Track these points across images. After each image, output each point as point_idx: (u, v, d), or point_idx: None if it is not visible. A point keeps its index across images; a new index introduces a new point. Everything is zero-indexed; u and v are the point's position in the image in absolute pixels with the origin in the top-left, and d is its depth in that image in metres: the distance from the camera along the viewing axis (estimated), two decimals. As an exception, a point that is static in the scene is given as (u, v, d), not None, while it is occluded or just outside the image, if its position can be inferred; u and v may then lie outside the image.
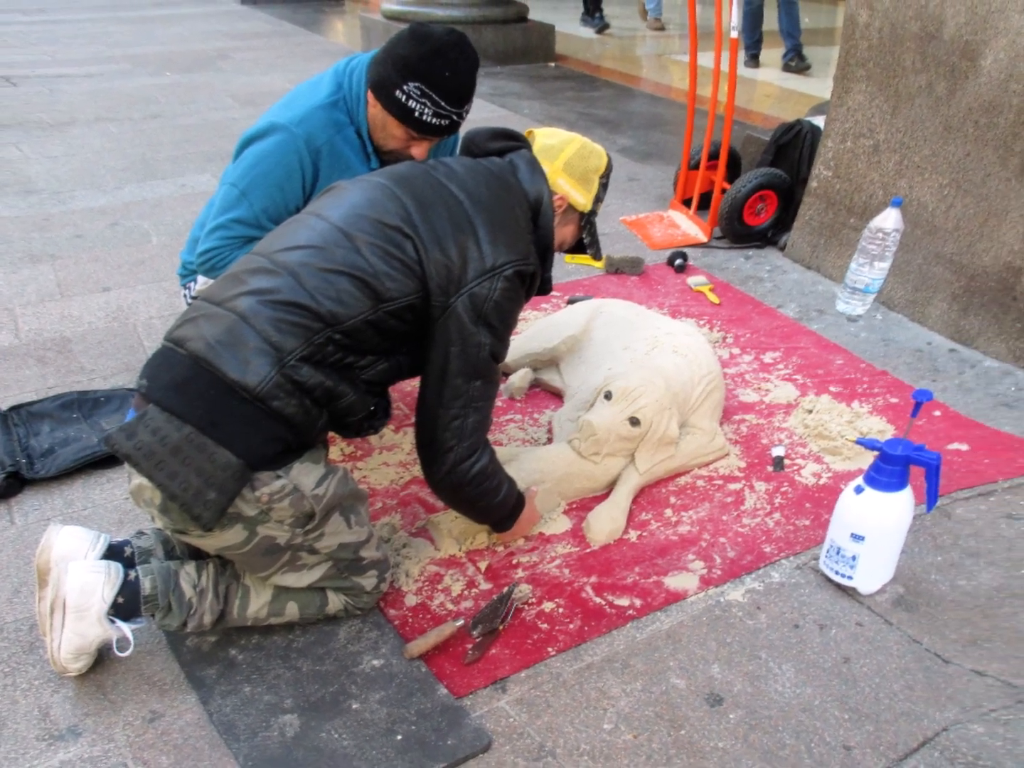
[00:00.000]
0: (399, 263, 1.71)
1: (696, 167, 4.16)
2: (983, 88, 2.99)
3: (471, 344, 1.76)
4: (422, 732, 1.68)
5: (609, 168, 2.05)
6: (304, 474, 1.71)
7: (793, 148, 4.00)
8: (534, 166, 1.93)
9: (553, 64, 7.77)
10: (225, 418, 1.61)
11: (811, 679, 1.81)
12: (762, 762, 1.63)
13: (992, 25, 2.92)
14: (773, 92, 6.51)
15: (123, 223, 4.18)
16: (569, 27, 9.15)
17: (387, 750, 1.64)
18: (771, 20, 7.10)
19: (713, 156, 4.06)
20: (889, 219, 3.10)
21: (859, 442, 1.98)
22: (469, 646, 1.86)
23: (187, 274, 2.64)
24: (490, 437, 1.93)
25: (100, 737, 1.69)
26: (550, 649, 1.87)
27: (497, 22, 7.64)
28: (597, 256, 2.13)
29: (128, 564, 1.81)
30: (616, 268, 3.63)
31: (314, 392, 1.67)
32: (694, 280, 3.55)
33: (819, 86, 6.30)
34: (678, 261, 3.68)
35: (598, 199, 2.03)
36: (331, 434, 1.91)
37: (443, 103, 2.18)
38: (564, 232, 2.03)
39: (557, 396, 2.76)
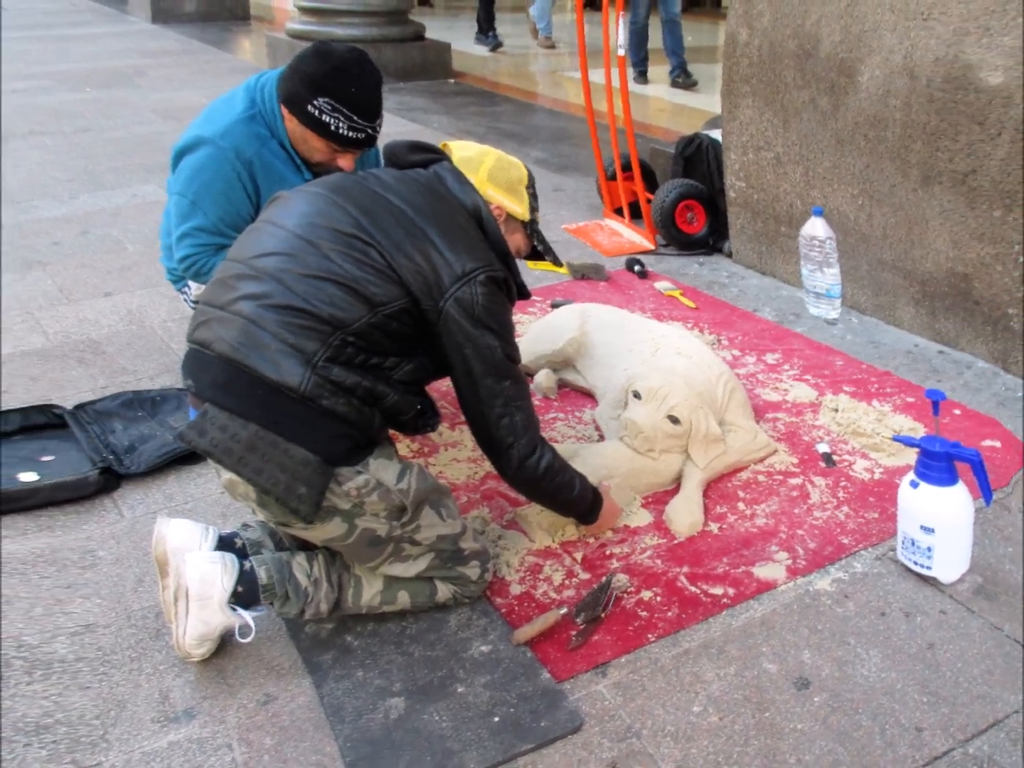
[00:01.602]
0: (372, 269, 1.72)
1: (613, 178, 4.25)
2: (864, 103, 3.08)
3: (482, 347, 1.79)
4: (519, 714, 1.70)
5: (531, 178, 2.08)
6: (382, 469, 1.75)
7: (699, 160, 4.11)
8: (460, 177, 1.94)
9: (452, 80, 8.05)
10: (283, 416, 1.65)
11: (896, 664, 1.83)
12: (834, 743, 1.66)
13: (865, 43, 3.01)
14: (665, 107, 6.82)
15: (93, 231, 4.27)
16: (464, 45, 9.42)
17: (481, 731, 1.67)
18: (656, 39, 7.40)
19: (625, 167, 4.14)
20: (817, 227, 3.17)
21: (896, 439, 2.07)
22: (573, 632, 1.88)
23: (176, 280, 2.76)
24: (544, 435, 1.95)
25: (212, 719, 1.72)
26: (649, 635, 1.90)
27: (395, 41, 7.93)
28: (556, 261, 2.18)
29: (240, 555, 1.83)
30: (581, 274, 3.69)
31: (356, 391, 1.69)
32: (662, 285, 3.60)
33: (707, 101, 6.51)
34: (637, 267, 3.75)
35: (533, 208, 2.05)
36: (393, 432, 1.94)
37: (355, 117, 2.29)
38: (515, 240, 2.04)
39: (589, 395, 2.78)
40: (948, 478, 1.96)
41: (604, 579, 2.00)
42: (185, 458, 2.47)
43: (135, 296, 3.53)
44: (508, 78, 8.22)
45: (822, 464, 2.45)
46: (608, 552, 2.13)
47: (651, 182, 4.25)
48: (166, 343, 3.13)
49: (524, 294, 2.03)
